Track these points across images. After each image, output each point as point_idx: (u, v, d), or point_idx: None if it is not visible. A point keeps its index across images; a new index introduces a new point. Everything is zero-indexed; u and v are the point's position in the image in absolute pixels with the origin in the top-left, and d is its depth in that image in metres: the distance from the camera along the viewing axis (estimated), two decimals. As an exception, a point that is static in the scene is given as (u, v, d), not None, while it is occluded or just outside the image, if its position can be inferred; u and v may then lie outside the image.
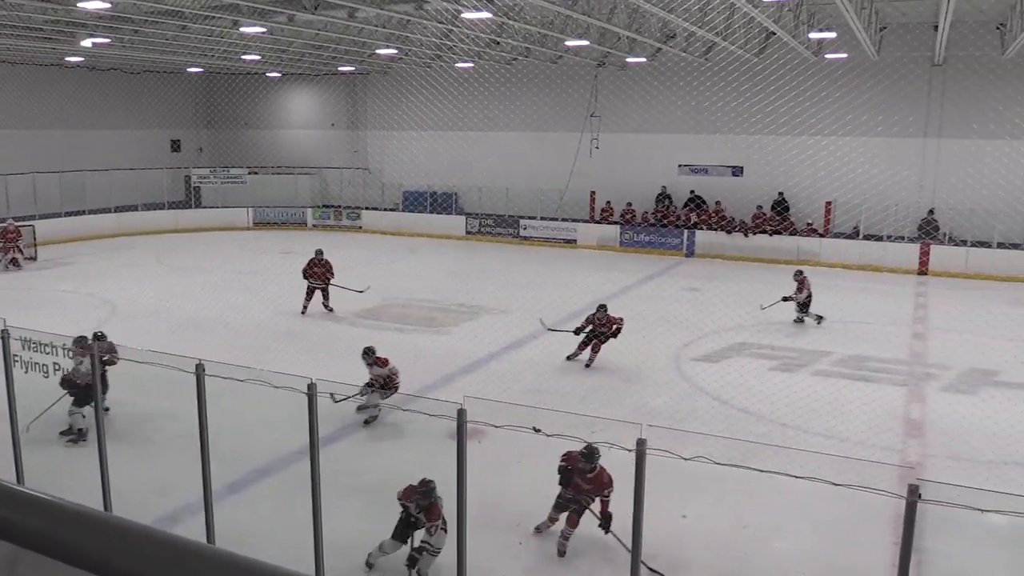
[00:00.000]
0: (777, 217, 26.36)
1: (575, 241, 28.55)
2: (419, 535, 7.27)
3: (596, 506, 7.69)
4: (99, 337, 10.45)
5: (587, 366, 13.87)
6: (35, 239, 24.26)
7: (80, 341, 10.07)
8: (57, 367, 10.95)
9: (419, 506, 7.14)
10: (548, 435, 6.03)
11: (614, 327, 14.01)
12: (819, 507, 8.34)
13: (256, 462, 9.83)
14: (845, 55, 22.77)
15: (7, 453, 8.45)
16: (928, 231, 24.36)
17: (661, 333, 15.95)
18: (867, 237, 24.80)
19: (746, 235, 26.17)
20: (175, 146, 36.33)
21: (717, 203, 27.38)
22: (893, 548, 6.28)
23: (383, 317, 17.65)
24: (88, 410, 11.09)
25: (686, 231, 27.00)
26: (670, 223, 27.72)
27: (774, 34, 20.00)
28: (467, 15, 17.41)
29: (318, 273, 17.83)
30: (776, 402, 12.13)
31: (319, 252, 18.08)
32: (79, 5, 16.45)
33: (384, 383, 10.93)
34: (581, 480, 7.60)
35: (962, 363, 14.48)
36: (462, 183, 31.84)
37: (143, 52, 25.26)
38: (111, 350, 9.89)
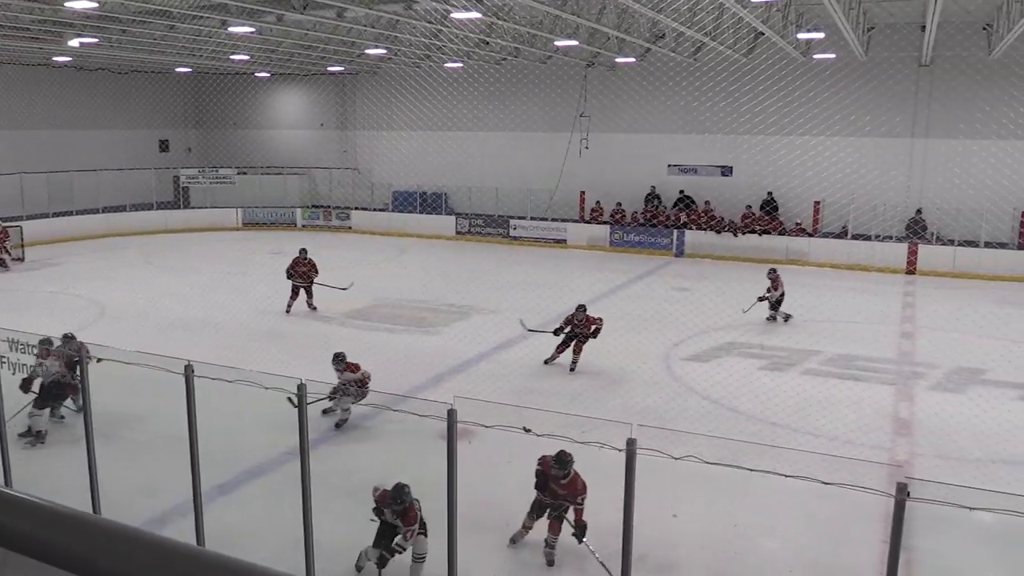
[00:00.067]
0: (766, 217, 26.44)
1: (565, 241, 28.57)
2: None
3: (571, 514, 7.63)
4: (68, 338, 10.41)
5: (571, 370, 13.71)
6: (22, 240, 24.14)
7: (45, 343, 10.05)
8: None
9: (394, 511, 7.06)
10: (538, 435, 6.04)
11: (593, 327, 13.80)
12: (809, 506, 8.37)
13: (246, 463, 9.80)
14: (833, 55, 22.86)
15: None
16: (916, 231, 24.48)
17: (651, 333, 15.98)
18: (855, 237, 24.91)
19: (735, 235, 26.24)
20: (163, 146, 36.19)
21: (706, 203, 27.44)
22: (883, 546, 6.30)
23: (373, 317, 17.62)
24: (70, 410, 11.08)
25: (676, 231, 27.05)
26: (660, 223, 27.77)
27: (763, 34, 20.06)
28: (456, 15, 17.39)
29: (302, 272, 17.85)
30: (766, 401, 12.17)
31: (303, 251, 18.09)
32: (66, 5, 16.35)
33: (356, 388, 10.84)
34: (556, 486, 7.52)
35: (950, 362, 14.55)
36: (452, 183, 31.82)
37: (131, 52, 25.15)
38: (81, 351, 9.88)
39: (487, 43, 23.59)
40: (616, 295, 20.29)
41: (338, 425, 10.94)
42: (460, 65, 28.52)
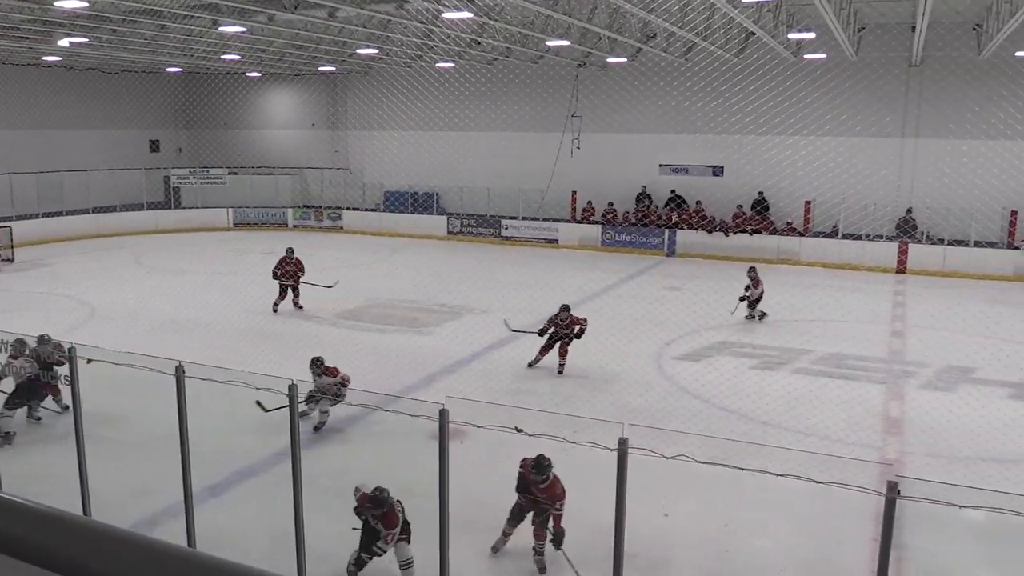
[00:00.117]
0: (757, 217, 26.51)
1: (557, 241, 28.59)
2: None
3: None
4: (43, 340, 10.38)
5: (559, 372, 13.51)
6: (12, 240, 24.01)
7: (18, 344, 10.02)
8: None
9: (374, 516, 6.99)
10: (530, 435, 6.04)
11: (577, 328, 13.60)
12: (800, 504, 8.39)
13: (237, 464, 9.78)
14: (824, 55, 22.93)
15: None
16: (906, 230, 24.58)
17: (642, 332, 16.01)
18: (846, 236, 24.98)
19: (727, 234, 26.30)
20: (154, 146, 36.07)
21: (698, 203, 27.49)
22: (873, 544, 6.33)
23: (364, 318, 17.60)
24: (46, 410, 11.04)
25: (667, 231, 27.09)
26: (651, 223, 27.81)
27: (754, 34, 20.11)
28: (448, 15, 17.39)
29: (289, 272, 17.86)
30: (757, 400, 12.20)
31: (290, 251, 18.11)
32: (56, 4, 16.29)
33: (334, 391, 10.70)
34: (535, 490, 7.45)
35: (940, 361, 14.61)
36: (443, 183, 31.80)
37: (121, 52, 25.07)
38: (58, 352, 9.88)
39: (479, 43, 23.59)
40: (608, 295, 20.31)
41: (316, 428, 10.81)
42: (452, 65, 28.51)
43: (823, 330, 16.65)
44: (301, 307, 18.01)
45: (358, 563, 7.11)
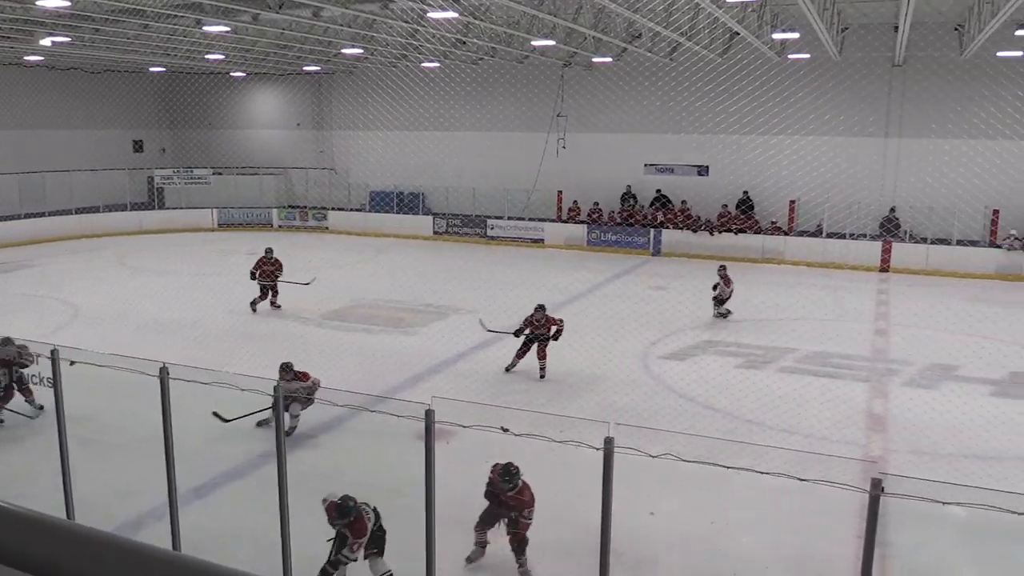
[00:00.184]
0: (742, 216, 26.62)
1: (542, 241, 28.61)
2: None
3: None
4: (5, 342, 10.32)
5: (541, 377, 13.26)
6: (-7, 241, 23.84)
7: None
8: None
9: (341, 525, 6.85)
10: (516, 435, 6.05)
11: (554, 329, 13.33)
12: (785, 502, 8.43)
13: (222, 466, 9.74)
14: (808, 55, 23.05)
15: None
16: (889, 229, 24.74)
17: (628, 332, 16.05)
18: (830, 235, 25.12)
19: (712, 234, 26.40)
20: (137, 146, 35.85)
21: (683, 202, 27.57)
22: (858, 541, 6.37)
23: (350, 318, 17.56)
24: (14, 413, 10.98)
25: (652, 230, 27.16)
26: (636, 222, 27.88)
27: (738, 35, 20.19)
28: (433, 15, 17.37)
29: (268, 272, 17.81)
30: (742, 399, 12.26)
31: (268, 251, 18.09)
32: (38, 3, 16.15)
33: (305, 395, 10.46)
34: (504, 497, 7.37)
35: (923, 359, 14.72)
36: (429, 183, 31.77)
37: (104, 51, 24.91)
38: (22, 354, 9.82)
39: (464, 43, 23.58)
40: (593, 294, 20.35)
41: (288, 434, 10.40)
42: (437, 65, 28.47)
43: (807, 329, 16.74)
44: (279, 307, 18.00)
45: (323, 573, 6.94)
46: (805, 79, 24.13)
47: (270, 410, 10.31)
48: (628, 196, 28.83)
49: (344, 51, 25.00)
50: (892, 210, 25.23)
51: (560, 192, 29.64)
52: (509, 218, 29.40)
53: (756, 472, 5.69)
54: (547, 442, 6.40)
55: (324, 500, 7.14)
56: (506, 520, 7.46)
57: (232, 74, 33.68)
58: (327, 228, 31.52)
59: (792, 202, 26.00)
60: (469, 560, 7.66)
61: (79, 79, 31.49)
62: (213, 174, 32.71)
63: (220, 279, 19.99)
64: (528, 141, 29.07)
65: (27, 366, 10.37)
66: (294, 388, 10.32)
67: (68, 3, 16.57)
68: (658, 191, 28.15)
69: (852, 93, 24.68)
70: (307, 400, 10.35)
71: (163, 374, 6.83)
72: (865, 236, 24.82)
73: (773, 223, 26.34)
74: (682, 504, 8.78)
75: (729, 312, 17.51)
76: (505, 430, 6.01)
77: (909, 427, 11.32)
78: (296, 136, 35.43)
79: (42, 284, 20.69)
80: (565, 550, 7.82)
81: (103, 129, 33.32)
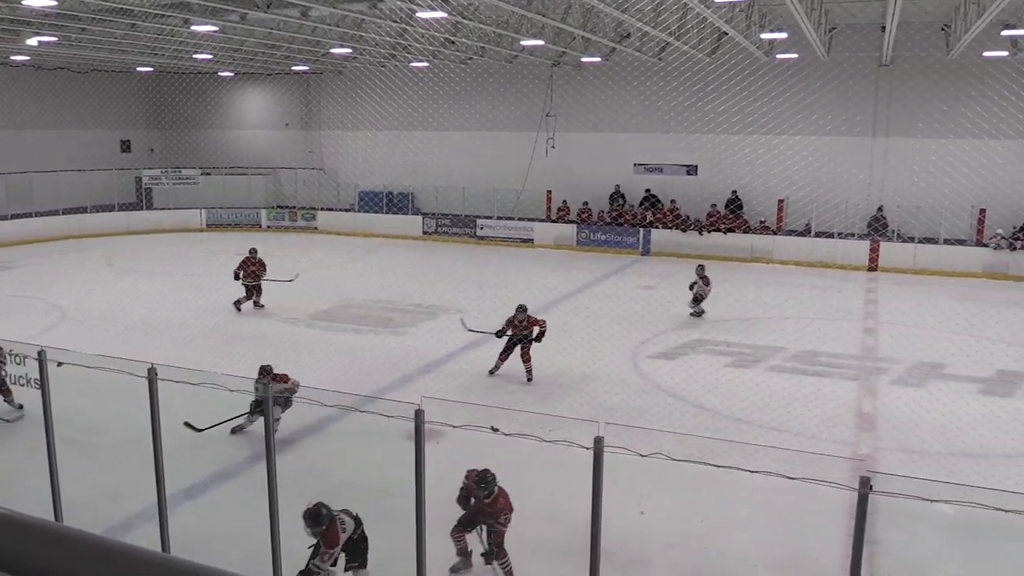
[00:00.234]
0: (731, 215, 26.70)
1: (532, 240, 28.61)
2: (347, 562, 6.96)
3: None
4: None
5: (528, 380, 13.07)
6: (-20, 242, 23.68)
7: None
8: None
9: (314, 533, 6.71)
10: (506, 434, 6.04)
11: (536, 330, 13.11)
12: (774, 500, 8.46)
13: (211, 467, 9.71)
14: (796, 55, 23.13)
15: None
16: (877, 228, 24.86)
17: (618, 331, 16.06)
18: (819, 234, 25.22)
19: (701, 233, 26.46)
20: (125, 147, 35.67)
21: (672, 202, 27.62)
22: (847, 539, 6.39)
23: (339, 318, 17.53)
24: None
25: (642, 230, 27.20)
26: (626, 222, 27.92)
27: (726, 34, 20.23)
28: (422, 14, 17.34)
29: (252, 272, 17.79)
30: (732, 398, 12.30)
31: (253, 251, 18.09)
32: (24, 2, 16.05)
33: (284, 398, 10.20)
34: (480, 504, 7.26)
35: (911, 357, 14.79)
36: (418, 183, 31.74)
37: (91, 51, 24.77)
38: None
39: (453, 42, 23.56)
40: (583, 294, 20.36)
41: None
42: (426, 64, 28.45)
43: (796, 328, 16.79)
44: (262, 306, 18.00)
45: None
46: (793, 79, 24.23)
47: (244, 416, 10.23)
48: (617, 196, 28.87)
49: (333, 51, 24.95)
50: (880, 209, 25.35)
51: (549, 192, 29.66)
52: (498, 218, 29.40)
53: (746, 471, 5.70)
54: (537, 442, 6.40)
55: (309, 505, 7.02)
56: (483, 527, 7.33)
57: (220, 74, 33.55)
58: (316, 228, 31.44)
59: (781, 201, 26.10)
60: (453, 572, 7.54)
61: (66, 79, 31.31)
62: (201, 174, 32.58)
63: (209, 280, 19.90)
64: (517, 141, 29.07)
65: (2, 365, 10.32)
66: (275, 390, 10.16)
67: (55, 2, 16.48)
68: (647, 191, 28.20)
69: (840, 93, 24.78)
70: (286, 403, 10.13)
71: (151, 375, 6.80)
72: (853, 235, 24.93)
73: (762, 222, 26.42)
74: (672, 503, 8.80)
75: (703, 311, 17.53)
76: (495, 430, 6.01)
77: (898, 425, 11.38)
78: (285, 136, 35.32)
79: (29, 285, 20.57)
80: (555, 550, 7.83)
81: (90, 129, 33.15)
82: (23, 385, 10.62)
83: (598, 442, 5.65)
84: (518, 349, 13.21)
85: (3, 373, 10.79)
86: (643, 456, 5.62)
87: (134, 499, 8.37)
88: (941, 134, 23.22)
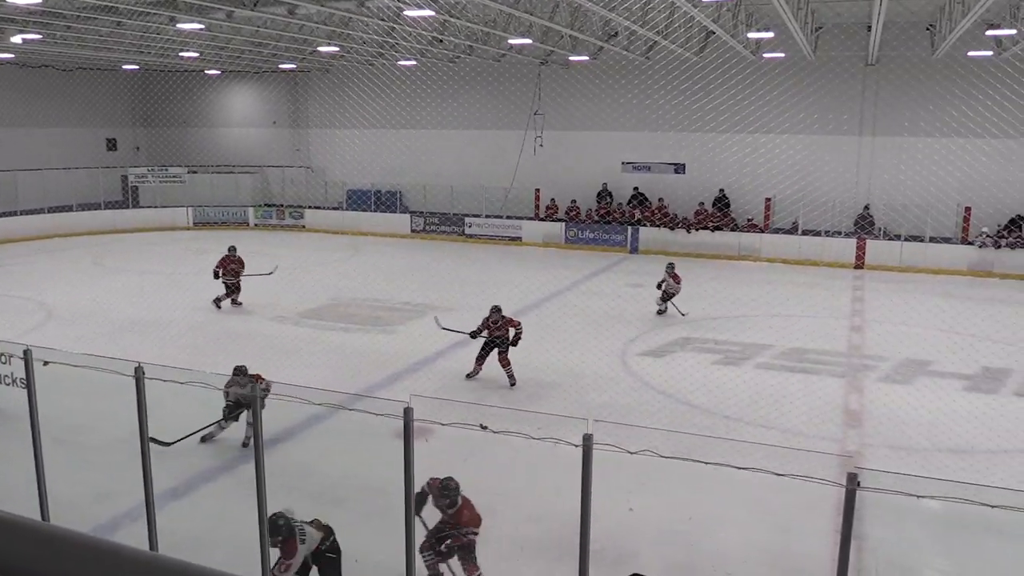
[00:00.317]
0: (719, 214, 26.78)
1: (520, 239, 28.62)
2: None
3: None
4: None
5: (511, 385, 12.74)
6: (-36, 241, 23.51)
7: None
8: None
9: (273, 543, 6.51)
10: (495, 432, 6.04)
11: (512, 332, 12.75)
12: (763, 497, 8.49)
13: (199, 466, 9.67)
14: (782, 55, 23.22)
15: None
16: (864, 226, 24.99)
17: (606, 329, 16.09)
18: (806, 232, 25.33)
19: (689, 231, 26.53)
20: (111, 145, 35.46)
21: (660, 200, 27.69)
22: (834, 535, 6.44)
23: (328, 317, 17.49)
24: None
25: (630, 228, 27.25)
26: (614, 220, 27.96)
27: (714, 34, 20.29)
28: (409, 12, 17.33)
29: (233, 270, 17.76)
30: (720, 395, 12.33)
31: (232, 249, 18.07)
32: (8, 0, 15.95)
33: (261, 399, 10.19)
34: (443, 514, 6.96)
35: (897, 354, 14.87)
36: (406, 181, 31.69)
37: (77, 49, 24.61)
38: None
39: (441, 41, 23.53)
40: (571, 292, 20.38)
41: (245, 444, 10.04)
42: (414, 63, 28.40)
43: (784, 325, 16.86)
44: (240, 304, 18.00)
45: None
46: (780, 78, 24.34)
47: (216, 425, 10.08)
48: (604, 194, 28.90)
49: (320, 49, 24.88)
50: (866, 208, 25.48)
51: (538, 190, 29.67)
52: (487, 216, 29.39)
53: (734, 467, 5.72)
54: (526, 439, 6.41)
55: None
56: (448, 541, 7.00)
57: (207, 72, 33.40)
58: (304, 227, 31.36)
59: (768, 200, 26.20)
60: None
61: (52, 77, 31.11)
62: (188, 172, 32.44)
63: (196, 278, 19.84)
64: (505, 139, 29.08)
65: None
66: (246, 395, 9.74)
67: (39, 0, 16.36)
68: (635, 189, 28.25)
69: (826, 92, 24.88)
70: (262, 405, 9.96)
71: (139, 374, 6.77)
72: (840, 233, 25.05)
73: (749, 220, 26.51)
74: (661, 500, 8.82)
75: (665, 310, 17.56)
76: (484, 428, 6.01)
77: (885, 422, 11.44)
78: (272, 134, 35.20)
79: (15, 284, 20.43)
80: (545, 547, 7.83)
81: (76, 127, 32.95)
82: (8, 384, 10.57)
83: (587, 439, 5.65)
84: (496, 353, 12.85)
85: None
86: (632, 453, 5.62)
87: (121, 499, 8.33)
88: (927, 133, 23.37)
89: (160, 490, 7.45)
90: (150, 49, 24.73)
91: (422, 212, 30.68)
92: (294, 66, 31.23)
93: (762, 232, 26.06)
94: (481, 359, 13.04)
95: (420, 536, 6.92)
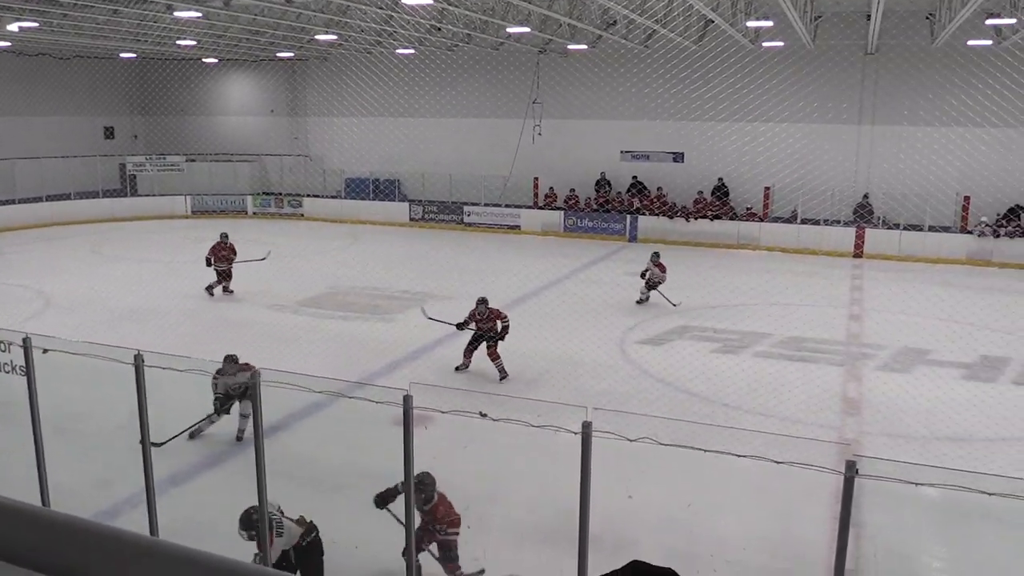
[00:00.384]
0: (717, 202, 26.75)
1: (519, 227, 28.60)
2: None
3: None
4: None
5: (501, 379, 12.60)
6: (-38, 230, 23.46)
7: None
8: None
9: (248, 536, 6.47)
10: (494, 420, 6.05)
11: (500, 325, 12.60)
12: (762, 484, 8.51)
13: (199, 453, 9.69)
14: (782, 43, 23.14)
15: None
16: (863, 215, 24.97)
17: (605, 317, 16.10)
18: (804, 221, 25.32)
19: (688, 220, 26.51)
20: (109, 133, 35.36)
21: (659, 189, 27.65)
22: (833, 522, 6.45)
23: (326, 305, 17.49)
24: None
25: (629, 216, 27.23)
26: (613, 208, 27.93)
27: (712, 22, 20.22)
28: (407, 0, 17.25)
29: (225, 257, 17.75)
30: (718, 383, 12.36)
31: (224, 236, 18.06)
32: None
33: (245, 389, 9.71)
34: (420, 512, 6.75)
35: (896, 343, 14.90)
36: (405, 170, 31.63)
37: (73, 37, 24.51)
38: None
39: (439, 29, 23.44)
40: (570, 280, 20.38)
41: (239, 438, 9.97)
42: (412, 51, 28.30)
43: (782, 314, 16.87)
44: (231, 291, 18.00)
45: None
46: (779, 67, 24.26)
47: (206, 420, 10.00)
48: (602, 183, 28.86)
49: (318, 37, 24.78)
50: (865, 196, 25.46)
51: (536, 179, 29.63)
52: (485, 204, 29.36)
53: (733, 455, 5.72)
54: (525, 427, 6.42)
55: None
56: (441, 548, 6.90)
57: (204, 60, 33.27)
58: (302, 215, 31.32)
59: (767, 188, 26.17)
60: None
61: (48, 65, 30.99)
62: (186, 161, 32.35)
63: (195, 267, 19.78)
64: (504, 128, 29.01)
65: None
66: (238, 381, 9.76)
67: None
68: (634, 177, 28.21)
69: (826, 81, 24.82)
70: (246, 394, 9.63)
71: (138, 361, 6.77)
72: (839, 222, 25.05)
73: (748, 209, 26.50)
74: (660, 488, 8.84)
75: (647, 299, 17.51)
76: (483, 415, 6.01)
77: (883, 410, 11.47)
78: (270, 123, 35.10)
79: (13, 272, 20.42)
80: (544, 535, 7.86)
81: (73, 115, 32.84)
82: (8, 372, 10.58)
83: (586, 427, 5.66)
84: (484, 346, 12.74)
85: None
86: (631, 441, 5.63)
87: (121, 486, 8.35)
88: (926, 122, 23.32)
89: (160, 477, 7.46)
90: (147, 37, 24.62)
91: (421, 201, 30.64)
92: (292, 54, 31.12)
93: (761, 221, 26.04)
94: (469, 352, 12.93)
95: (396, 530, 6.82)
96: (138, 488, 7.25)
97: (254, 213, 31.53)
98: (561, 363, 13.46)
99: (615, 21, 22.46)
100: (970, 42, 21.63)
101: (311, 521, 6.77)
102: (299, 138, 34.60)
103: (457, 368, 13.02)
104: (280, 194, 32.20)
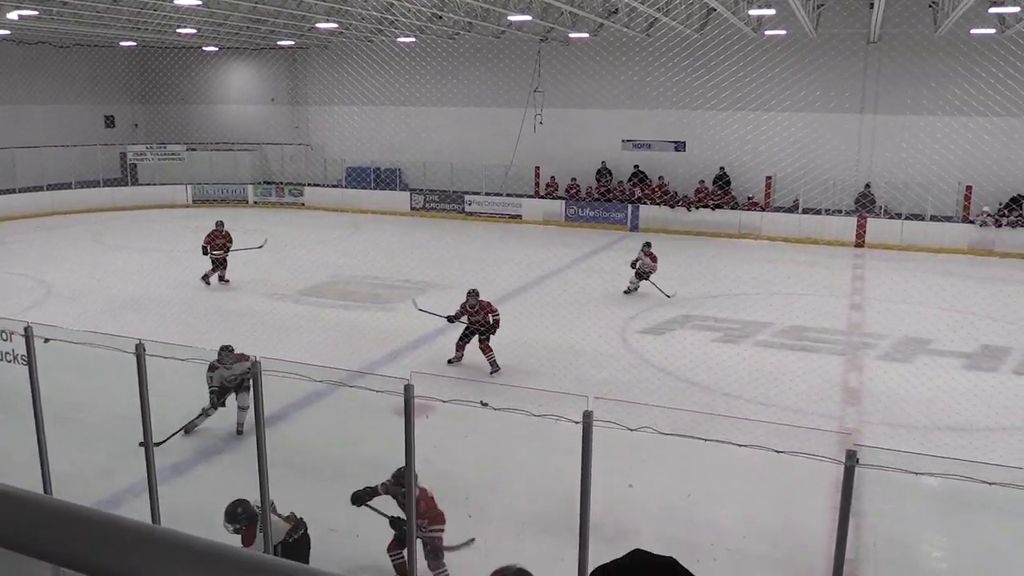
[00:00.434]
0: (719, 192, 26.70)
1: (520, 216, 28.56)
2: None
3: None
4: None
5: (492, 372, 12.42)
6: (-37, 219, 23.45)
7: None
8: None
9: (234, 530, 6.47)
10: (495, 409, 6.06)
11: (491, 318, 12.48)
12: (762, 474, 8.53)
13: (201, 442, 9.71)
14: (784, 32, 23.06)
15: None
16: (864, 204, 24.93)
17: (606, 306, 16.11)
18: (806, 211, 25.27)
19: (689, 209, 26.47)
20: (109, 122, 35.29)
21: (660, 178, 27.60)
22: (833, 512, 6.46)
23: (327, 294, 17.49)
24: None
25: (630, 206, 27.19)
26: (614, 198, 27.89)
27: (715, 10, 20.14)
28: (409, -12, 17.20)
29: (220, 245, 17.74)
30: (719, 373, 12.36)
31: (219, 223, 18.02)
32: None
33: (242, 381, 9.73)
34: (401, 508, 6.67)
35: (897, 332, 14.89)
36: (406, 159, 31.58)
37: (73, 25, 24.43)
38: None
39: (440, 17, 23.36)
40: (572, 269, 20.37)
41: (239, 431, 9.95)
42: (413, 40, 28.22)
43: (784, 303, 16.85)
44: (227, 280, 17.98)
45: None
46: (781, 55, 24.17)
47: (202, 415, 9.89)
48: (604, 172, 28.82)
49: (319, 25, 24.71)
50: (867, 186, 25.41)
51: (538, 168, 29.58)
52: (487, 194, 29.32)
53: (734, 444, 5.74)
54: (526, 416, 6.42)
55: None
56: (427, 545, 6.81)
57: (205, 48, 33.18)
58: (303, 204, 31.29)
59: (769, 178, 26.12)
60: None
61: (49, 53, 30.91)
62: (187, 150, 32.30)
63: (196, 256, 19.78)
64: (505, 116, 28.94)
65: None
66: (235, 373, 9.72)
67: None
68: (636, 167, 28.16)
69: (828, 69, 24.72)
70: (246, 385, 9.65)
71: (139, 351, 6.77)
72: (841, 212, 25.01)
73: (750, 199, 26.45)
74: (660, 476, 8.86)
75: (636, 289, 17.45)
76: (484, 404, 6.02)
77: (884, 400, 11.47)
78: (271, 111, 35.03)
79: (14, 261, 20.42)
80: (544, 524, 7.88)
81: (74, 104, 32.77)
82: (9, 361, 10.59)
83: (587, 416, 5.66)
84: (476, 339, 12.64)
85: None
86: (632, 430, 5.64)
87: (123, 475, 8.37)
88: (929, 111, 23.26)
89: (162, 466, 7.48)
90: (147, 25, 24.55)
91: (422, 190, 30.60)
92: (292, 43, 31.03)
93: (763, 210, 26.00)
94: (462, 345, 12.84)
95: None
96: (140, 477, 7.26)
97: (255, 202, 31.50)
98: (562, 352, 13.46)
99: (617, 9, 22.37)
100: (973, 30, 21.54)
101: (300, 518, 6.74)
102: (300, 127, 34.53)
103: (450, 361, 12.90)
104: (281, 183, 32.16)
